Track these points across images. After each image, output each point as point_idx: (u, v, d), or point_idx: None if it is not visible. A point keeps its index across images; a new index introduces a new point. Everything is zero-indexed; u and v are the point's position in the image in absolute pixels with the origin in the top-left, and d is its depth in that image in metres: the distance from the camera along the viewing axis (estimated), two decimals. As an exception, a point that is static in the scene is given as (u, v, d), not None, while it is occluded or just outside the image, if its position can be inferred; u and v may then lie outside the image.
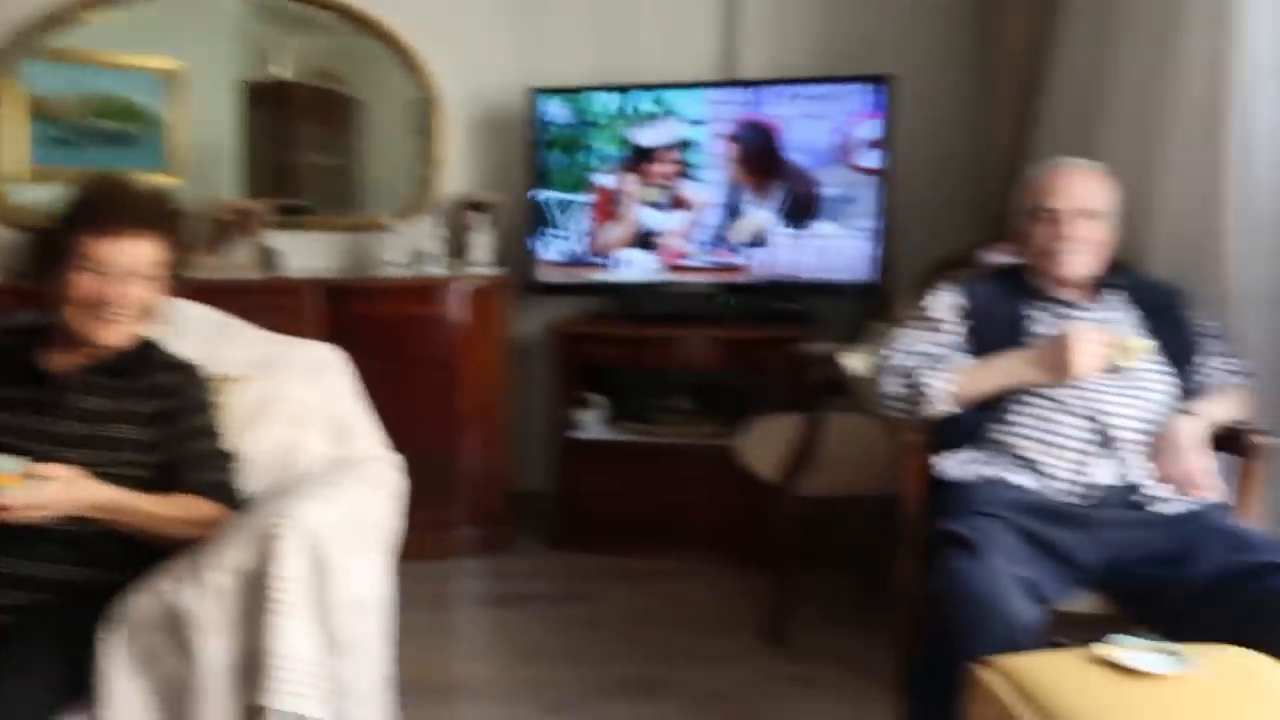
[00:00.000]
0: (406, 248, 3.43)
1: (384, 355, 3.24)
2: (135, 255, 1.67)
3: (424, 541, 3.26)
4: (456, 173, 3.68)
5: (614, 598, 2.99)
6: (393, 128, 3.91)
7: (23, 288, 3.22)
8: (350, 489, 1.82)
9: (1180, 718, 1.28)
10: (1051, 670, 1.42)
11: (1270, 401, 1.99)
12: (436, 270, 3.37)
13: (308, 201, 3.85)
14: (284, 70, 3.92)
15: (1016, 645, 1.56)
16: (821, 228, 3.24)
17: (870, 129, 3.17)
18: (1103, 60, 2.57)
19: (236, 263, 3.39)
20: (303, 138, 3.99)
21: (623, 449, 3.32)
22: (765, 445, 2.74)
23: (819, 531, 3.23)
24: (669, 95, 3.31)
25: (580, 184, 3.38)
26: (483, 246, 3.38)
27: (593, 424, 3.40)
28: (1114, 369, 1.89)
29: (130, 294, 1.68)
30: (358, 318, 3.27)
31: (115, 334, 1.70)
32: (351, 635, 1.61)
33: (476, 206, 3.47)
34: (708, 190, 3.31)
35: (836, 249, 3.24)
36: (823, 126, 3.22)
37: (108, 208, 1.67)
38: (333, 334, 3.27)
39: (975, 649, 1.55)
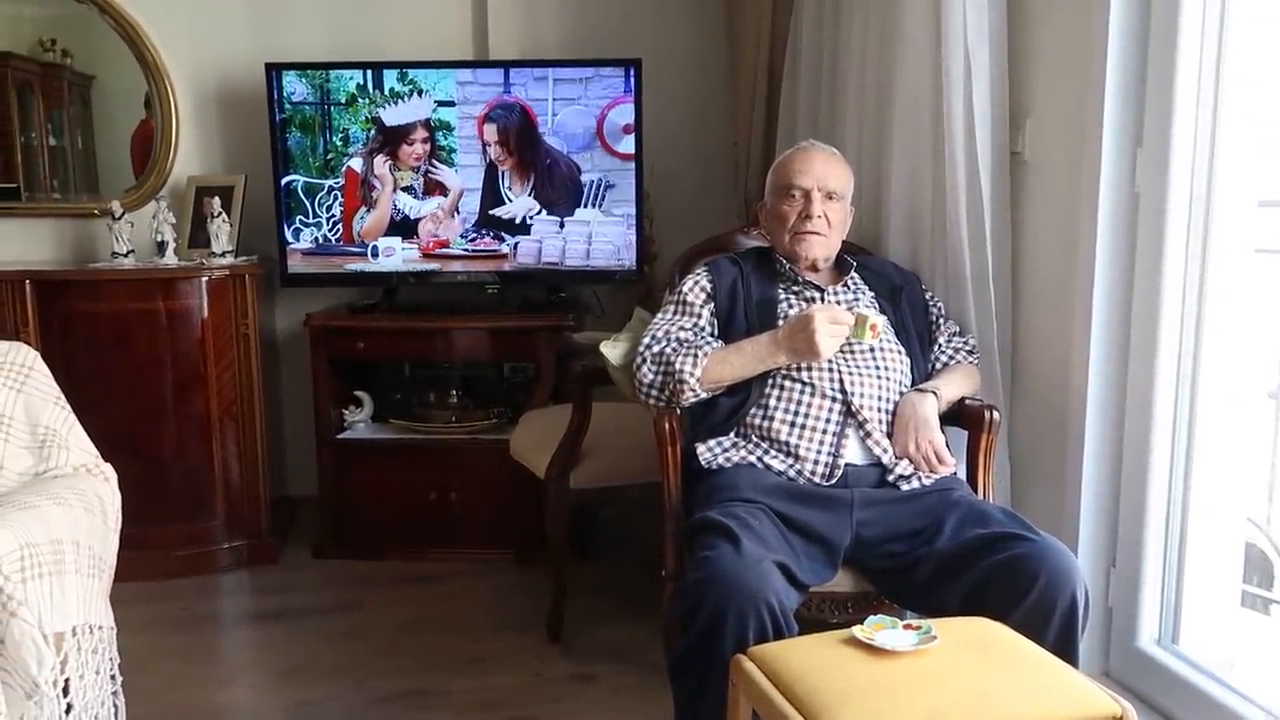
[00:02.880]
0: (135, 236, 3.10)
1: (111, 355, 2.96)
2: None
3: (178, 558, 3.02)
4: (192, 155, 3.36)
5: (384, 606, 2.84)
6: (124, 106, 3.53)
7: None
8: (45, 508, 1.61)
9: (919, 691, 1.31)
10: (807, 655, 1.43)
11: (997, 378, 2.10)
12: (170, 260, 3.06)
13: (17, 185, 3.40)
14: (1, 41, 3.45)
15: (777, 631, 1.56)
16: (584, 214, 3.18)
17: (625, 114, 3.14)
18: (838, 47, 2.65)
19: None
20: (25, 115, 3.53)
21: (391, 448, 3.15)
22: (535, 438, 2.67)
23: (593, 523, 3.21)
24: (417, 74, 3.13)
25: (327, 167, 3.16)
26: (223, 234, 3.10)
27: (359, 423, 3.21)
28: (854, 344, 1.93)
29: None
30: (77, 315, 2.94)
31: None
32: (36, 677, 1.41)
33: (214, 191, 3.18)
34: (465, 175, 3.17)
35: (599, 235, 3.19)
36: (579, 110, 3.16)
37: None
38: (45, 334, 2.93)
39: (735, 637, 1.54)
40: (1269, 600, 2.23)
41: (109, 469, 1.96)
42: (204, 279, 3.02)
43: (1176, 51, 1.80)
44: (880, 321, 1.93)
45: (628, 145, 3.14)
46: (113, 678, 1.80)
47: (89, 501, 1.79)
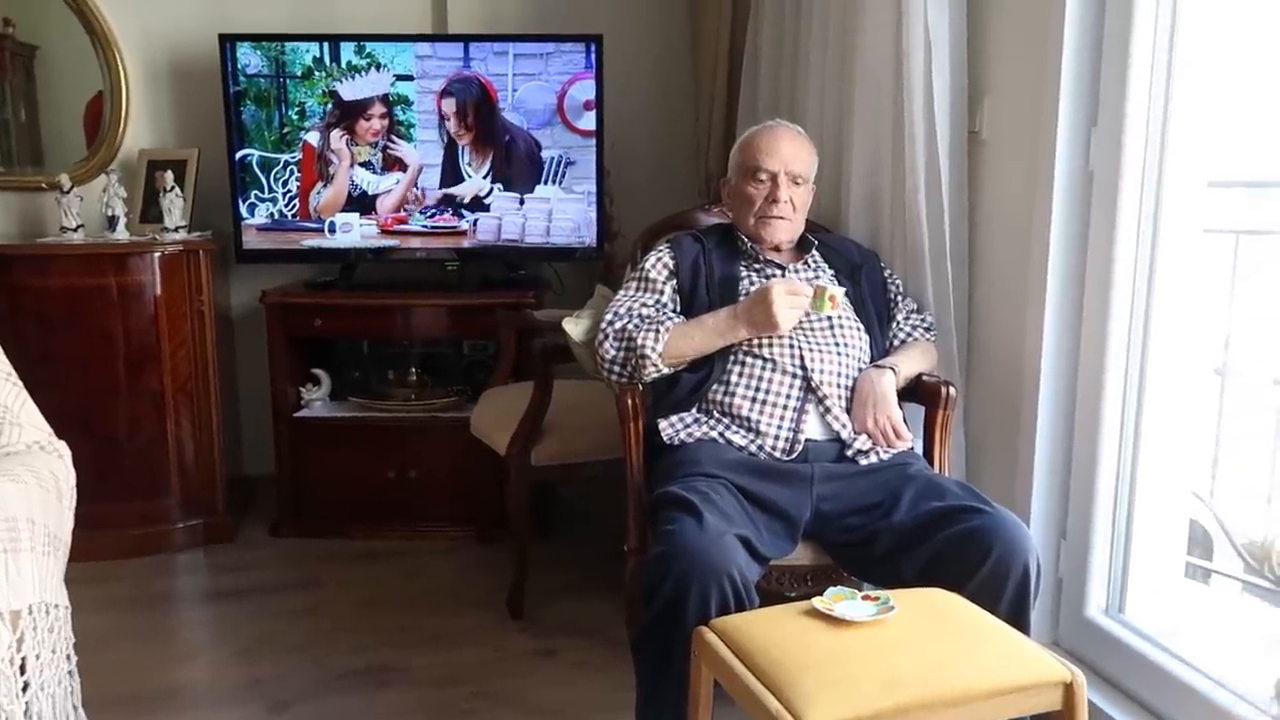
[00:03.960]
0: (85, 211, 3.03)
1: (63, 332, 2.90)
2: None
3: (136, 536, 2.97)
4: (147, 128, 3.29)
5: (343, 583, 2.83)
6: (72, 77, 3.44)
7: None
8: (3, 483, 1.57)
9: (877, 660, 1.34)
10: (768, 627, 1.45)
11: (953, 355, 2.14)
12: (121, 235, 3.00)
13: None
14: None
15: (740, 603, 1.58)
16: (544, 190, 3.16)
17: (586, 90, 3.12)
18: (799, 24, 2.65)
19: None
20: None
21: (349, 426, 3.12)
22: (496, 415, 2.66)
23: (555, 501, 3.21)
24: (375, 47, 3.09)
25: (284, 141, 3.11)
26: (176, 209, 3.04)
27: (316, 401, 3.18)
28: (814, 318, 1.95)
29: None
30: (27, 290, 2.87)
31: None
32: (3, 654, 1.38)
33: (166, 165, 3.11)
34: (423, 150, 3.14)
35: (559, 212, 3.18)
36: (539, 86, 3.13)
37: None
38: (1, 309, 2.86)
39: (698, 610, 1.56)
40: (1210, 571, 2.29)
41: (63, 446, 1.91)
42: (156, 255, 2.97)
43: (1131, 31, 1.82)
44: (839, 293, 1.94)
45: (588, 122, 3.13)
46: (68, 657, 1.77)
47: (43, 479, 1.75)
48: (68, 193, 2.99)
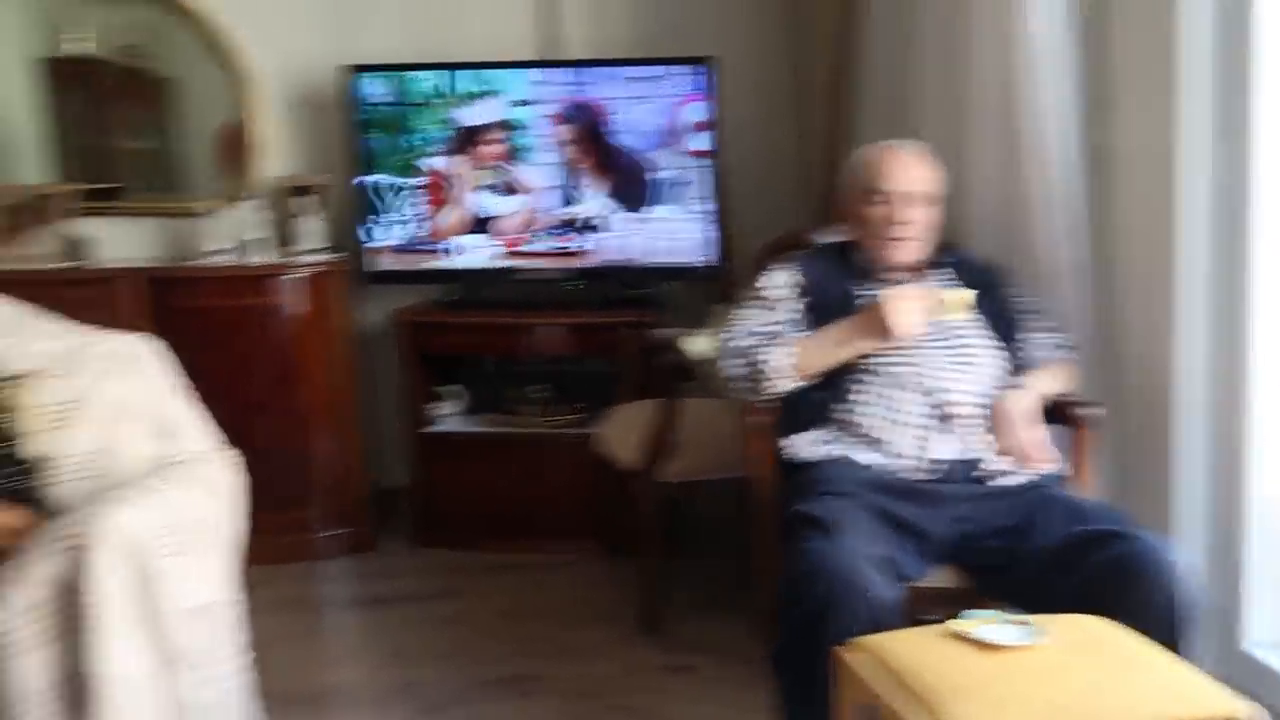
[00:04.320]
0: (229, 234, 3.20)
1: (214, 349, 3.05)
2: None
3: (282, 544, 3.11)
4: (278, 155, 3.45)
5: (481, 594, 2.93)
6: (209, 108, 3.63)
7: None
8: (176, 490, 1.70)
9: (1034, 687, 1.33)
10: (911, 648, 1.45)
11: (1092, 374, 2.10)
12: (264, 258, 3.16)
13: (120, 185, 3.53)
14: (86, 46, 3.57)
15: (877, 624, 1.58)
16: (658, 211, 3.21)
17: (696, 111, 3.16)
18: (910, 42, 2.62)
19: (36, 252, 3.07)
20: (113, 118, 3.66)
21: (480, 441, 3.23)
22: (623, 432, 2.72)
23: (684, 517, 3.25)
24: (491, 75, 3.19)
25: (409, 167, 3.23)
26: (312, 232, 3.19)
27: (448, 416, 3.30)
28: (945, 324, 1.93)
29: None
30: (181, 310, 3.05)
31: None
32: (190, 645, 1.49)
33: (302, 190, 3.27)
34: (542, 173, 3.23)
35: (675, 232, 3.22)
36: (650, 109, 3.18)
37: None
38: (153, 328, 3.03)
39: (837, 630, 1.57)
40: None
41: (230, 454, 2.04)
42: (295, 277, 3.12)
43: (1258, 36, 1.77)
44: (969, 295, 1.92)
45: (699, 142, 3.16)
46: (242, 652, 1.87)
47: (212, 485, 1.87)
48: (214, 218, 3.16)
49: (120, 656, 1.37)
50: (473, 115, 3.20)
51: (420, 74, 3.19)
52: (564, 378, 3.39)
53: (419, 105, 3.20)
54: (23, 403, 1.76)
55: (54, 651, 1.36)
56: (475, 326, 3.20)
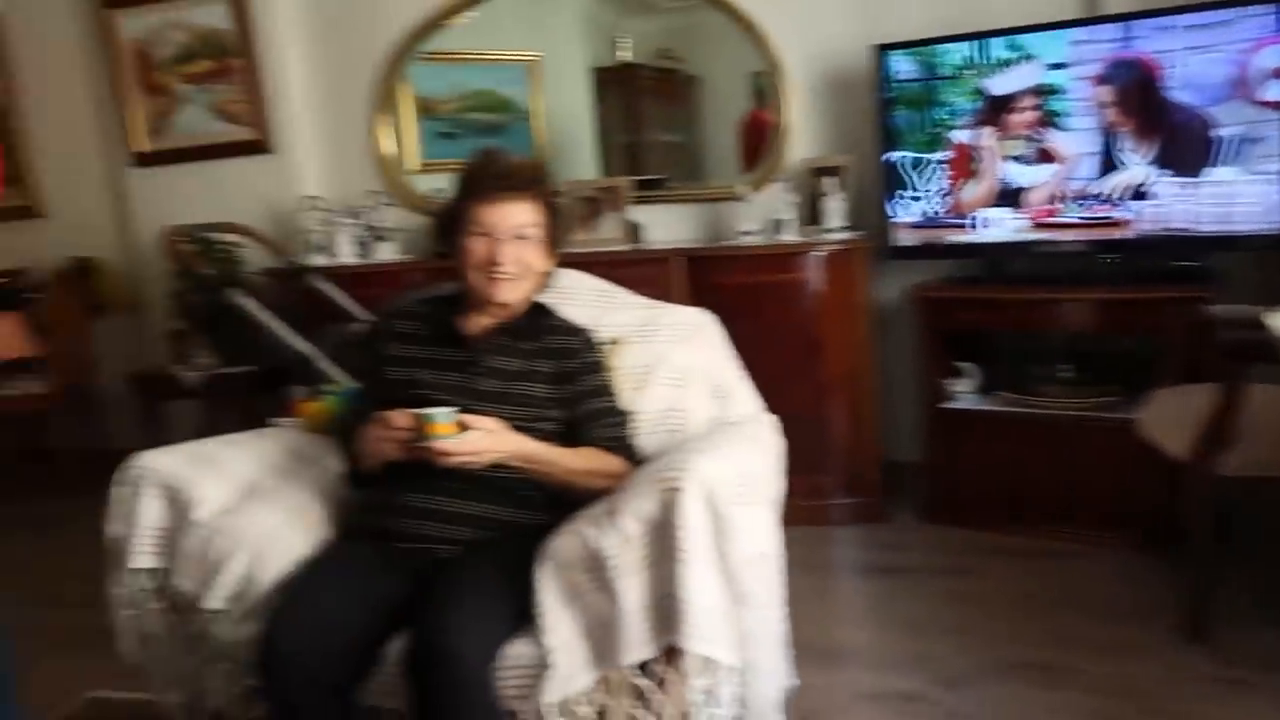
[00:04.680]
0: (760, 216, 3.43)
1: (744, 322, 3.26)
2: (516, 216, 1.81)
3: (798, 508, 3.26)
4: (803, 138, 3.63)
5: (997, 575, 2.85)
6: (730, 99, 3.93)
7: (428, 265, 3.68)
8: (737, 446, 1.85)
9: None
10: None
11: None
12: (791, 237, 3.34)
13: (665, 176, 3.97)
14: (627, 54, 4.07)
15: None
16: (1218, 173, 2.86)
17: (1274, 57, 2.75)
18: None
19: (605, 237, 3.55)
20: (648, 116, 4.13)
21: (999, 419, 3.13)
22: (1172, 418, 2.48)
23: (1241, 514, 2.90)
24: (1026, 39, 3.05)
25: (933, 141, 3.21)
26: (836, 212, 3.31)
27: (964, 393, 3.25)
28: None
29: (516, 253, 1.82)
30: (716, 286, 3.31)
31: (509, 292, 1.85)
32: (750, 588, 1.63)
33: (826, 171, 3.40)
34: (1077, 140, 3.03)
35: (1234, 196, 2.85)
36: (1213, 59, 2.84)
37: (490, 177, 1.82)
38: (694, 303, 3.35)
39: None
40: None
41: (773, 418, 2.20)
42: (819, 254, 3.26)
43: None
44: None
45: (1276, 92, 2.76)
46: (780, 602, 2.02)
47: (764, 445, 2.03)
48: (747, 201, 3.41)
49: (702, 586, 1.54)
50: (1003, 84, 3.10)
51: (951, 46, 3.15)
52: (1091, 357, 3.17)
53: (947, 78, 3.17)
54: (613, 364, 2.05)
55: (648, 577, 1.56)
56: (997, 302, 3.11)
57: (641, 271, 3.23)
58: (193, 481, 1.83)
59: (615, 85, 4.12)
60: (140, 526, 1.83)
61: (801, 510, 3.26)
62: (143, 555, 1.83)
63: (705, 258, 3.40)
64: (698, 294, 3.31)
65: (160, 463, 1.85)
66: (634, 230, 3.63)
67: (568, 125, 4.17)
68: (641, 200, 3.72)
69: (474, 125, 4.19)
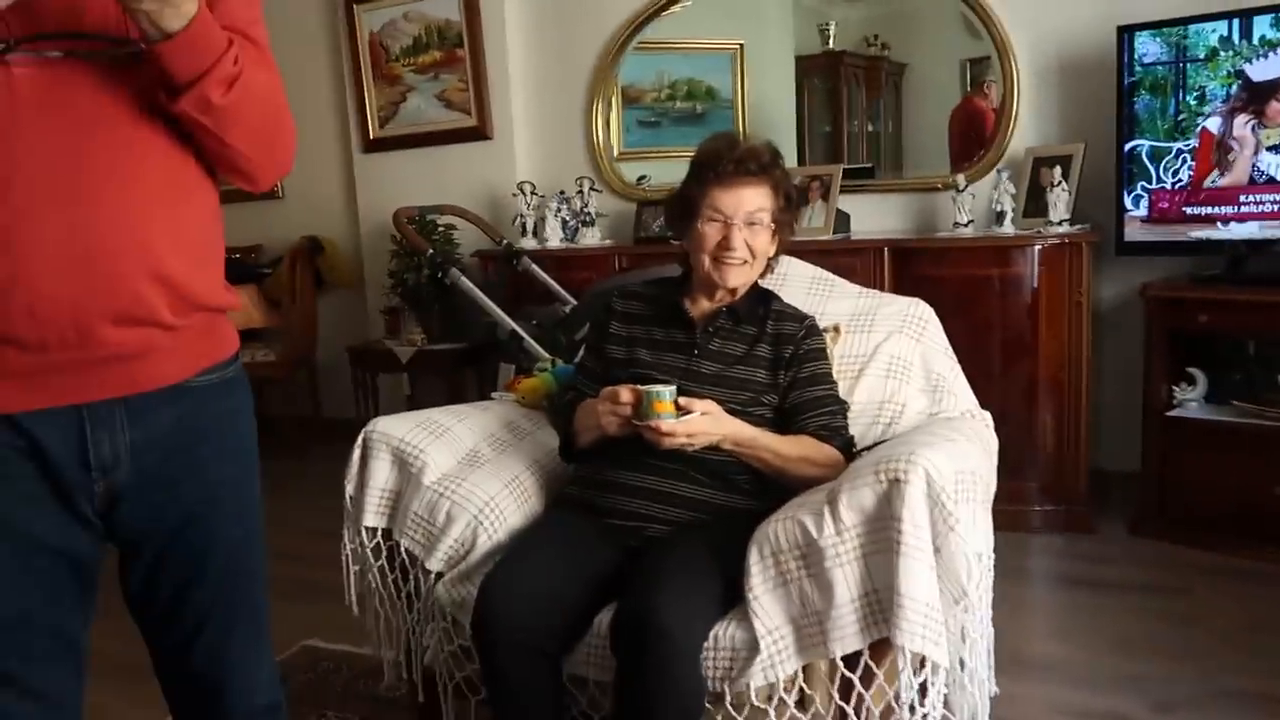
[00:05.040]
0: (975, 207, 3.30)
1: (952, 317, 3.13)
2: (752, 201, 1.81)
3: (999, 512, 3.12)
4: (1030, 126, 3.46)
5: (1217, 597, 2.66)
6: (939, 88, 3.80)
7: (632, 250, 3.75)
8: (960, 442, 1.79)
9: None
10: None
11: None
12: (1007, 230, 3.20)
13: (873, 165, 3.90)
14: (830, 41, 4.00)
15: None
16: None
17: None
18: None
19: (813, 226, 3.50)
20: (852, 105, 4.05)
21: (1229, 431, 2.91)
22: None
23: None
24: (1297, 17, 2.79)
25: (1176, 129, 2.99)
26: (1060, 203, 3.13)
27: (1191, 401, 3.03)
28: None
29: (749, 239, 1.82)
30: (925, 279, 3.21)
31: (738, 277, 1.85)
32: (966, 588, 1.56)
33: (1053, 161, 3.22)
34: (1349, 128, 2.75)
35: None
36: None
37: (727, 161, 1.81)
38: (900, 294, 3.26)
39: None
40: None
41: (988, 415, 2.12)
42: (1038, 247, 3.11)
43: None
44: None
45: None
46: (990, 605, 1.94)
47: (984, 442, 1.95)
48: (963, 191, 3.28)
49: (920, 582, 1.49)
50: (1268, 67, 2.84)
51: (1207, 26, 2.92)
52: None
53: (1200, 61, 2.94)
54: (832, 352, 2.02)
55: (863, 568, 1.53)
56: (1236, 304, 2.87)
57: (846, 262, 3.17)
58: (421, 448, 1.92)
59: (820, 73, 4.07)
60: (371, 488, 1.94)
61: (1003, 515, 3.10)
62: (372, 514, 1.94)
63: (914, 249, 3.31)
64: (903, 286, 3.22)
65: (393, 428, 1.96)
66: (843, 220, 3.56)
67: (770, 114, 4.15)
68: (847, 189, 3.65)
69: (676, 114, 4.23)
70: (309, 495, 3.46)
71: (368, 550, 1.94)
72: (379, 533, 1.95)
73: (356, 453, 1.97)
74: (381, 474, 1.94)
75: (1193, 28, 2.94)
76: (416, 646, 1.93)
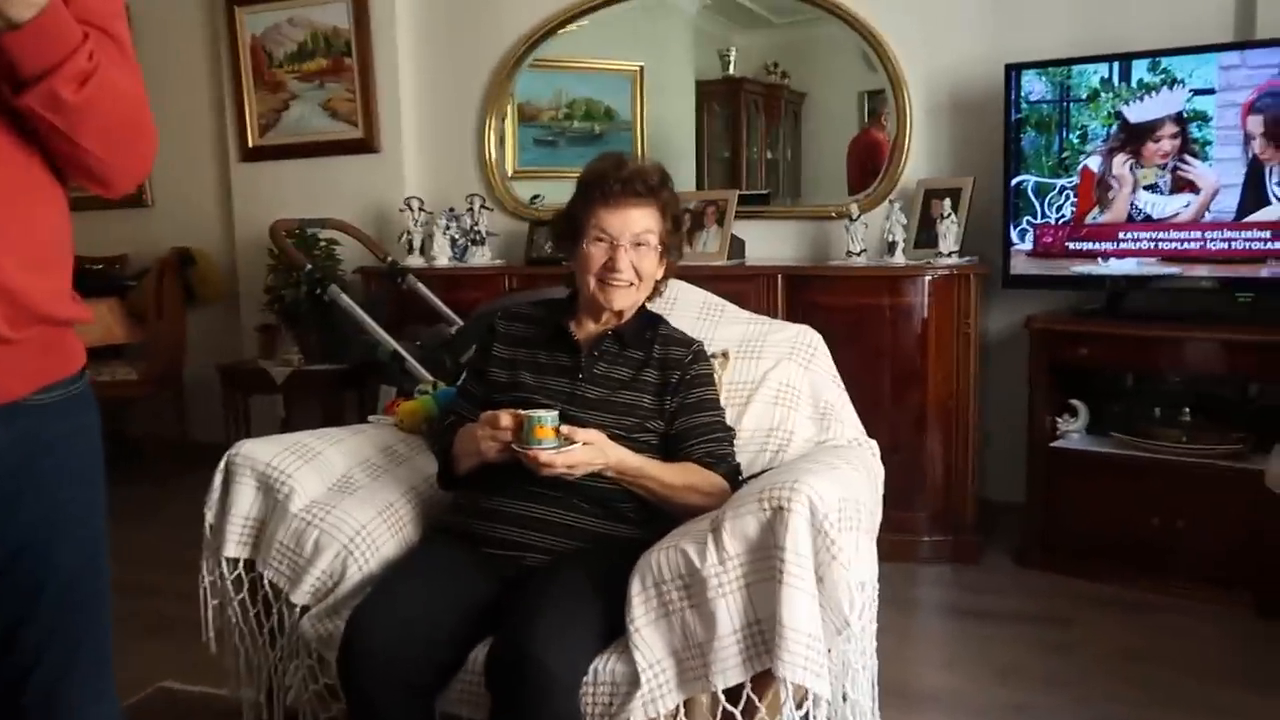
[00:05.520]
0: (868, 236, 3.39)
1: (843, 346, 3.22)
2: (639, 223, 1.82)
3: (886, 542, 3.16)
4: (919, 158, 3.58)
5: (1097, 626, 2.76)
6: (837, 118, 3.91)
7: (523, 271, 3.73)
8: (845, 469, 1.82)
9: None
10: None
11: None
12: (899, 260, 3.30)
13: (769, 191, 3.98)
14: (731, 68, 4.09)
15: None
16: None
17: None
18: None
19: (708, 250, 3.55)
20: (751, 131, 4.14)
21: (1110, 461, 3.03)
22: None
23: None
24: (1172, 62, 2.96)
25: (1059, 166, 3.13)
26: (949, 235, 3.24)
27: (1073, 432, 3.15)
28: None
29: (635, 261, 1.83)
30: (817, 306, 3.27)
31: (624, 299, 1.86)
32: (849, 618, 1.59)
33: (943, 193, 3.35)
34: (1220, 170, 2.92)
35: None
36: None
37: (614, 181, 1.82)
38: (792, 321, 3.33)
39: None
40: None
41: (873, 444, 2.16)
42: (929, 278, 3.20)
43: None
44: None
45: None
46: (873, 635, 1.97)
47: (869, 471, 2.00)
48: (855, 220, 3.37)
49: (803, 612, 1.50)
50: (1144, 109, 3.00)
51: (1090, 67, 3.07)
52: (1214, 402, 3.06)
53: (1082, 101, 3.09)
54: (720, 378, 2.04)
55: (746, 598, 1.54)
56: (1117, 338, 3.01)
57: (739, 288, 3.21)
58: (289, 473, 1.87)
59: (720, 98, 4.14)
60: (234, 515, 1.88)
61: (891, 544, 3.17)
62: (234, 544, 1.88)
63: (808, 277, 3.38)
64: (795, 313, 3.27)
65: (259, 451, 1.90)
66: (737, 245, 3.61)
67: (670, 137, 4.20)
68: (743, 215, 3.71)
69: (574, 133, 4.25)
70: (170, 525, 3.33)
71: (228, 582, 1.88)
72: (241, 564, 1.89)
73: (218, 477, 1.91)
74: (245, 500, 1.88)
75: (1076, 68, 3.09)
76: (279, 686, 1.87)
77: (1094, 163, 3.09)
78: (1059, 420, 3.16)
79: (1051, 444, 3.14)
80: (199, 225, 4.61)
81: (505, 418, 1.68)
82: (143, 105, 1.20)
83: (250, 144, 4.40)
